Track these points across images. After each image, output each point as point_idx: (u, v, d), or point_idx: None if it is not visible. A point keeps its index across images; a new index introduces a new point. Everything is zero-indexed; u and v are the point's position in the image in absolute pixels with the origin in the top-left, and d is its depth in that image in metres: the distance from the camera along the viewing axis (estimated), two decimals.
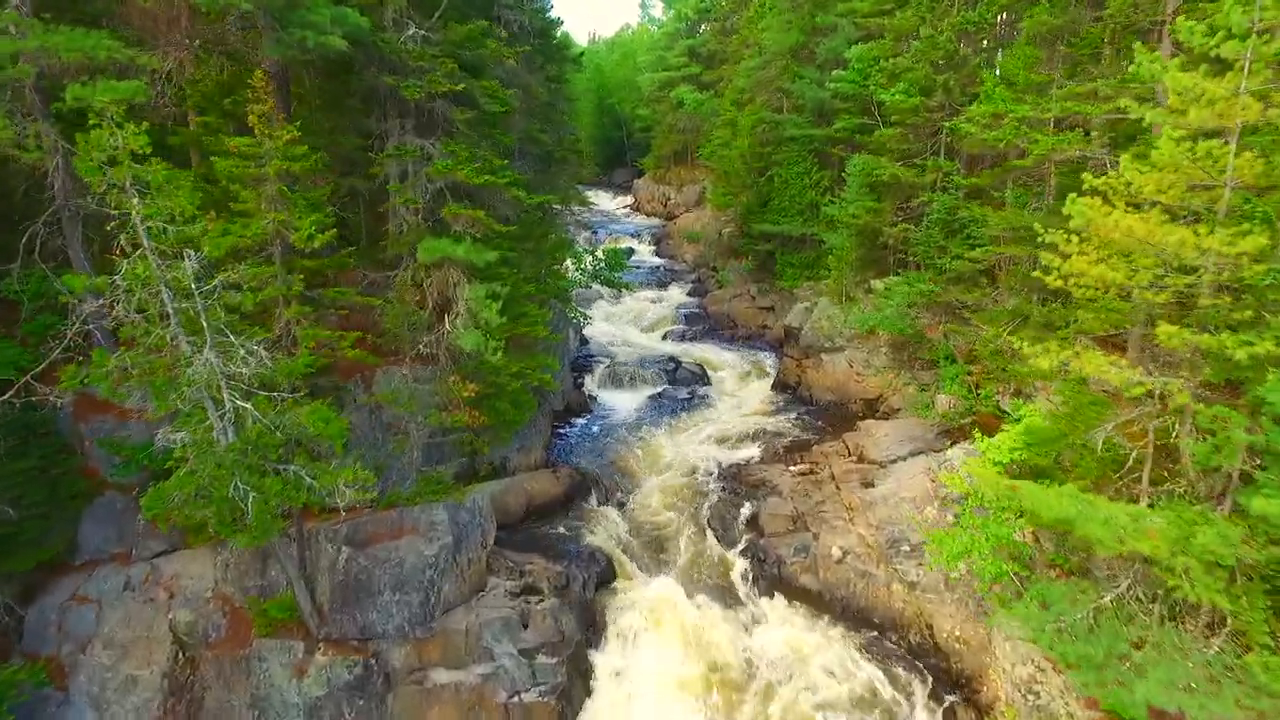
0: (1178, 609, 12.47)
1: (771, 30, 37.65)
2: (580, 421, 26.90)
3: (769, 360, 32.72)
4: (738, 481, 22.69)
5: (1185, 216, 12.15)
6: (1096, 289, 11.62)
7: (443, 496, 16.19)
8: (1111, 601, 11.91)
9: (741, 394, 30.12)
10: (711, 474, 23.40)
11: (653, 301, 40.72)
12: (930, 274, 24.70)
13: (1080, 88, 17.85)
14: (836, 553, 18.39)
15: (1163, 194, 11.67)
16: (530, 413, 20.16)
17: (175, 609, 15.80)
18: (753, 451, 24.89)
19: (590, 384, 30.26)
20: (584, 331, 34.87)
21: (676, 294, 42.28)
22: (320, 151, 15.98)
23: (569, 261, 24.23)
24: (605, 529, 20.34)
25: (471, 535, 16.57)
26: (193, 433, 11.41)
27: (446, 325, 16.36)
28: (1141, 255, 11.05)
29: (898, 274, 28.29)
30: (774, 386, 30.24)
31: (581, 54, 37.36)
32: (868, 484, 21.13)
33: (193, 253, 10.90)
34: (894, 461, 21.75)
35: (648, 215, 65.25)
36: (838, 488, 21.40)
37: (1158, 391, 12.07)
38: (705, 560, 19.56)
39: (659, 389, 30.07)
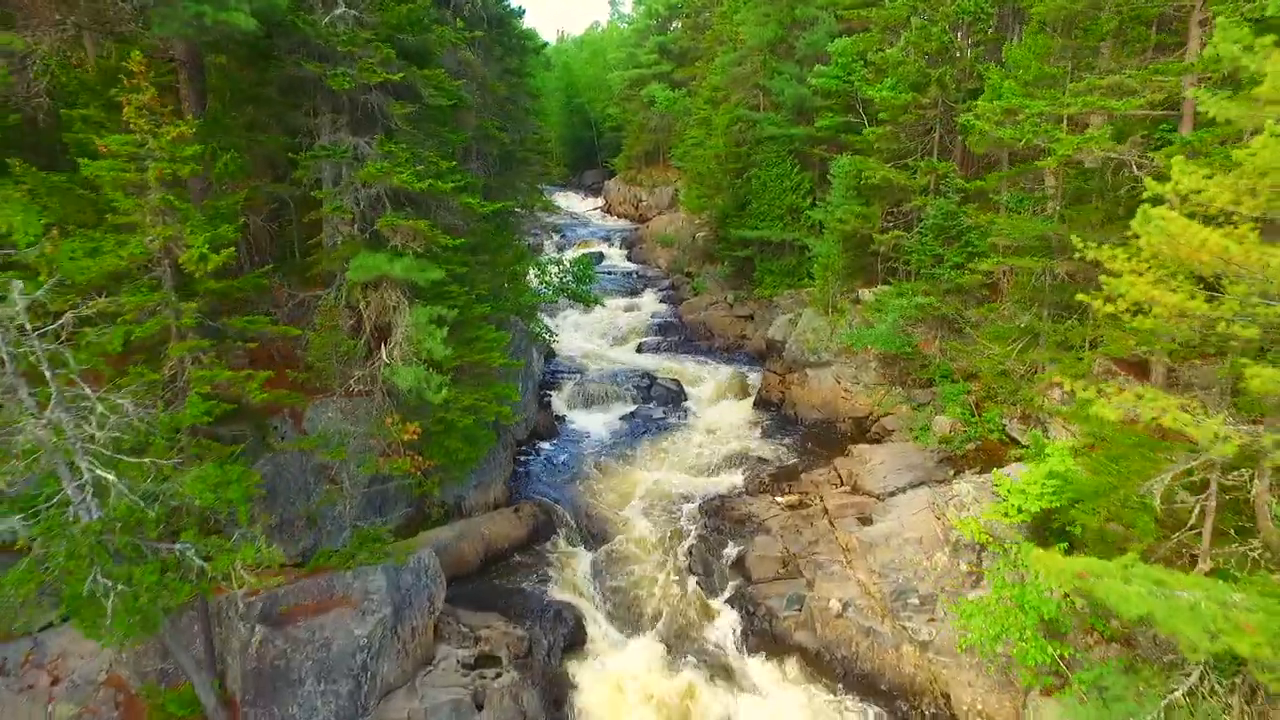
0: (1257, 693, 10.42)
1: (748, 24, 35.44)
2: (547, 447, 24.43)
3: (750, 374, 30.50)
4: (720, 517, 20.39)
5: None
6: (1168, 318, 9.46)
7: (381, 559, 13.66)
8: (1184, 695, 9.81)
9: (721, 412, 27.85)
10: (691, 507, 21.09)
11: (625, 310, 38.35)
12: (925, 284, 22.64)
13: (1101, 80, 15.80)
14: (835, 605, 16.17)
15: (1239, 204, 9.55)
16: (488, 446, 17.68)
17: (57, 700, 13.14)
18: (736, 479, 22.62)
19: (559, 403, 27.81)
20: (552, 344, 32.43)
21: (650, 302, 39.95)
22: (231, 152, 13.40)
23: (532, 274, 21.74)
24: (574, 578, 17.93)
25: (416, 601, 14.07)
26: (37, 516, 8.79)
27: (383, 356, 13.83)
28: (1232, 280, 8.90)
29: (888, 283, 26.23)
30: (756, 404, 28.03)
31: (544, 46, 34.84)
32: (865, 520, 18.97)
33: (19, 282, 8.29)
34: (893, 494, 19.61)
35: (619, 218, 62.84)
36: (832, 524, 19.20)
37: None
38: (687, 613, 17.22)
39: (633, 408, 27.71)
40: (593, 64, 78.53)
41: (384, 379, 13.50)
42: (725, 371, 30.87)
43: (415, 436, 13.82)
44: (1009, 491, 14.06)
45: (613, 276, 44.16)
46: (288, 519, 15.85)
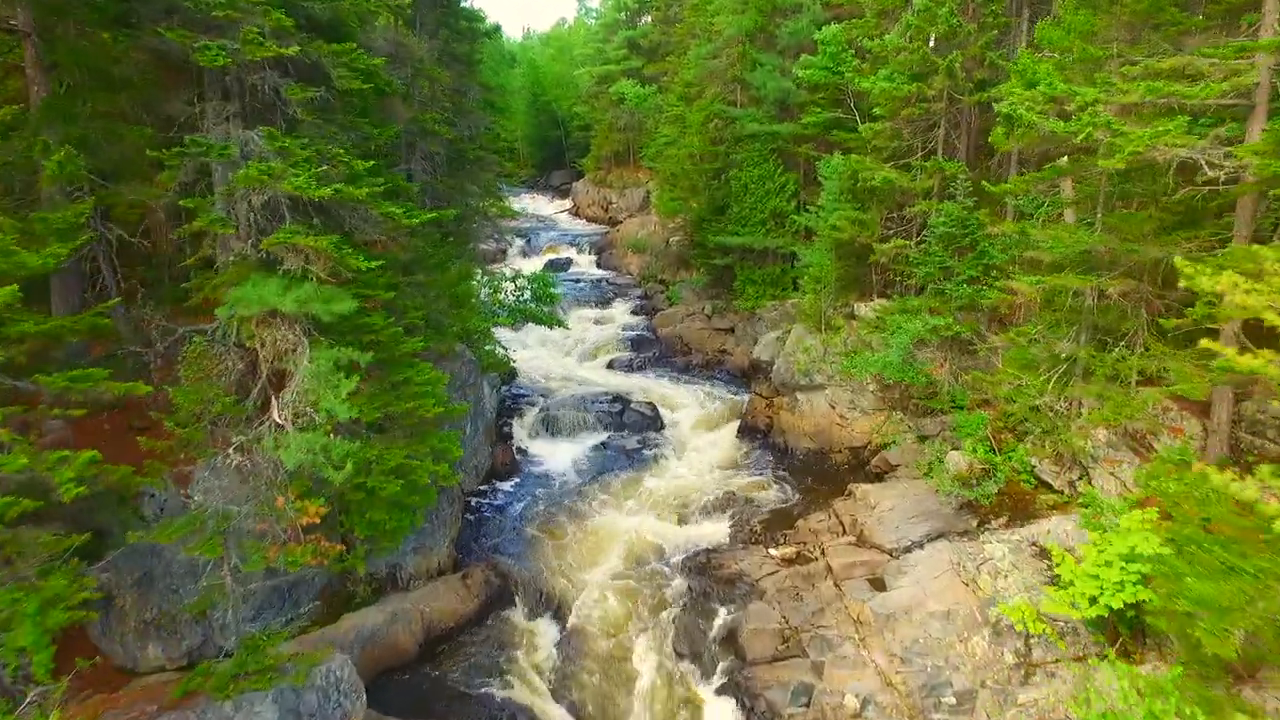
0: None
1: (724, 13, 32.44)
2: (506, 489, 21.14)
3: (733, 396, 27.46)
4: (707, 576, 17.29)
5: None
6: None
7: (274, 679, 10.33)
8: None
9: (702, 442, 24.78)
10: (673, 563, 17.99)
11: (595, 322, 35.16)
12: (933, 301, 19.76)
13: (1162, 63, 12.96)
14: (851, 702, 13.14)
15: None
16: (428, 503, 14.38)
17: None
18: (722, 526, 19.56)
19: (520, 433, 24.52)
20: (513, 365, 29.12)
21: (621, 313, 36.79)
22: (66, 149, 10.02)
23: (485, 292, 18.48)
24: (533, 667, 14.71)
25: None
26: None
27: (274, 413, 10.50)
28: None
29: (886, 297, 23.35)
30: (741, 431, 24.99)
31: (496, 30, 31.52)
32: (878, 583, 15.99)
33: None
34: (908, 549, 16.64)
35: (588, 221, 59.59)
36: (838, 587, 16.19)
37: None
38: (671, 708, 14.10)
39: (604, 437, 24.52)
40: (559, 61, 75.13)
41: (267, 450, 10.18)
42: (705, 393, 27.79)
43: (318, 519, 10.52)
44: (1073, 576, 11.12)
45: (581, 285, 40.94)
46: (168, 611, 12.48)
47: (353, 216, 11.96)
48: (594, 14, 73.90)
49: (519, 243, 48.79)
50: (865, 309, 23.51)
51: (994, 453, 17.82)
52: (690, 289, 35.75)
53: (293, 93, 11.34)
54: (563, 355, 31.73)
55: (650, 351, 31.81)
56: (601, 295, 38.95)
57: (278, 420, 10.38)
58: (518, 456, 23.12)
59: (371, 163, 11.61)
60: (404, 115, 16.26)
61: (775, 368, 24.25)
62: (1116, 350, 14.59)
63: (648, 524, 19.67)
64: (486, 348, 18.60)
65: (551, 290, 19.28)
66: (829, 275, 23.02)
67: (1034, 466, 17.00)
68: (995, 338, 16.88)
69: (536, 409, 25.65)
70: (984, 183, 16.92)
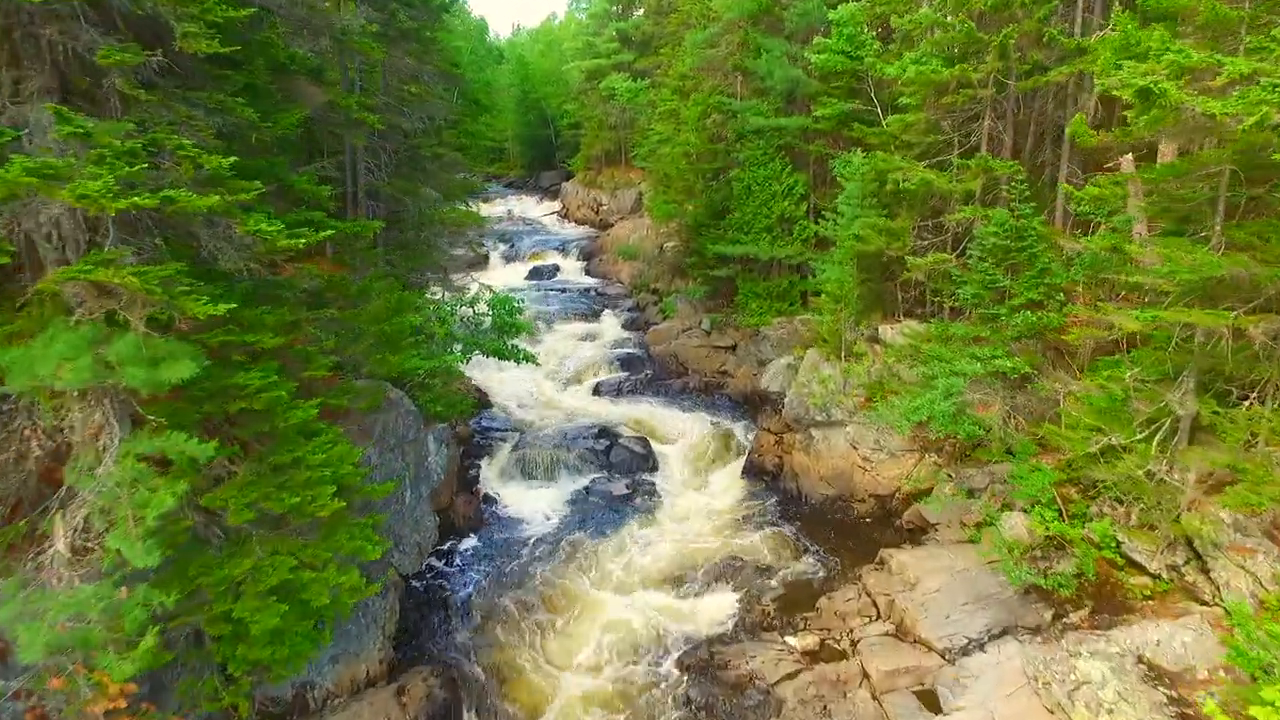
0: None
1: None
2: (465, 550, 17.46)
3: (735, 427, 23.79)
4: (710, 678, 13.65)
5: None
6: None
7: None
8: None
9: (702, 486, 21.13)
10: (668, 661, 14.35)
11: (581, 339, 31.45)
12: (982, 328, 16.15)
13: None
14: None
15: None
16: (343, 613, 10.67)
17: None
18: (727, 603, 15.93)
19: (488, 476, 20.86)
20: (486, 391, 25.45)
21: (610, 326, 33.07)
22: None
23: (438, 319, 14.77)
24: None
25: None
26: None
27: (57, 540, 6.81)
28: None
29: (920, 319, 19.73)
30: (746, 471, 21.35)
31: (453, 2, 27.75)
32: (929, 697, 12.39)
33: None
34: (965, 650, 13.01)
35: (578, 224, 55.81)
36: (878, 702, 12.57)
37: None
38: None
39: (586, 480, 20.88)
40: (549, 56, 71.38)
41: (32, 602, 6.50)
42: (704, 424, 24.10)
43: (123, 702, 6.85)
44: None
45: (567, 295, 37.25)
46: None
47: (211, 235, 8.26)
48: (584, 7, 70.12)
49: (502, 248, 45.19)
50: (892, 332, 19.89)
51: (1062, 516, 14.23)
52: (686, 301, 32.09)
53: (108, 56, 7.64)
54: (544, 378, 28.04)
55: (642, 373, 28.14)
56: (589, 307, 35.23)
57: (61, 550, 6.73)
58: (484, 506, 19.44)
59: (230, 159, 7.91)
60: (317, 99, 12.59)
61: (787, 400, 20.60)
62: (1250, 409, 10.98)
63: (637, 600, 16.02)
64: (433, 389, 14.78)
65: (515, 319, 15.56)
66: (850, 293, 19.38)
67: (1120, 543, 13.40)
68: (1075, 382, 13.26)
69: (510, 446, 21.98)
70: (1067, 186, 13.28)
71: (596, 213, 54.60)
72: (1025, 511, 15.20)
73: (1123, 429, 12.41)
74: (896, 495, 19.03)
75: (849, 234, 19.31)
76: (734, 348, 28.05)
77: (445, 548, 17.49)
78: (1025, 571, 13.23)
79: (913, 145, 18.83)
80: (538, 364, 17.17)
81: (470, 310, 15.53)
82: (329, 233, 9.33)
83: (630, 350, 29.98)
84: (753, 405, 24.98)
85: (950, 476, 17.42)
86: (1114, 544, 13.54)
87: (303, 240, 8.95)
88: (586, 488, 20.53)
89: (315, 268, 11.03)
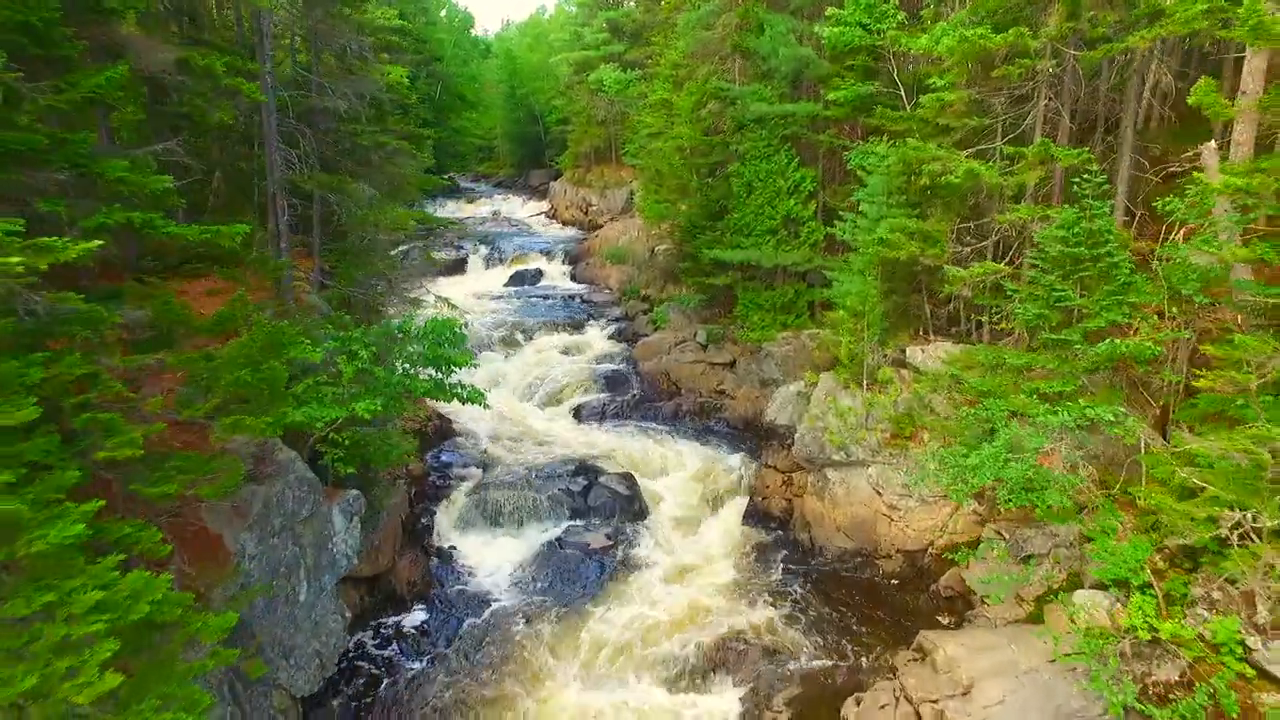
0: None
1: None
2: (407, 627, 14.05)
3: (734, 461, 20.43)
4: None
5: None
6: None
7: None
8: None
9: (696, 534, 17.77)
10: None
11: (563, 352, 28.01)
12: (1049, 356, 12.80)
13: None
14: None
15: None
16: None
17: None
18: (728, 703, 12.59)
19: (443, 524, 17.48)
20: (449, 414, 22.06)
21: (596, 338, 29.66)
22: None
23: (346, 354, 11.25)
24: None
25: None
26: None
27: None
28: None
29: (958, 339, 16.42)
30: (749, 516, 18.01)
31: None
32: None
33: None
34: None
35: (566, 225, 52.38)
36: None
37: None
38: None
39: (561, 528, 17.55)
40: (537, 50, 67.91)
41: None
42: (699, 457, 20.73)
43: None
44: None
45: (550, 302, 33.82)
46: None
47: None
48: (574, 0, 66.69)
49: (483, 251, 41.72)
50: (923, 355, 16.55)
51: (1160, 609, 10.88)
52: (680, 310, 28.69)
53: None
54: (519, 399, 24.65)
55: (629, 393, 24.75)
56: (573, 316, 31.78)
57: None
58: (436, 564, 16.08)
59: None
60: (157, 55, 9.20)
61: (798, 435, 17.20)
62: None
63: (617, 697, 12.65)
64: (347, 443, 11.10)
65: (449, 351, 11.99)
66: (873, 308, 16.01)
67: (1251, 650, 10.06)
68: (1196, 439, 9.92)
69: (470, 486, 18.59)
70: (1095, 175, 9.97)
71: (585, 213, 51.19)
72: (1105, 588, 11.92)
73: (1264, 505, 9.07)
74: (929, 552, 15.72)
75: (872, 238, 15.95)
76: (733, 364, 24.69)
77: (381, 624, 14.11)
78: (1127, 691, 9.85)
79: (950, 130, 15.46)
80: (486, 405, 13.71)
81: (401, 337, 12.00)
82: (91, 245, 5.93)
83: (616, 366, 26.57)
84: (755, 433, 21.64)
85: (1000, 535, 14.07)
86: (1237, 639, 10.22)
87: (73, 251, 5.51)
88: (559, 539, 17.17)
89: (147, 288, 7.66)
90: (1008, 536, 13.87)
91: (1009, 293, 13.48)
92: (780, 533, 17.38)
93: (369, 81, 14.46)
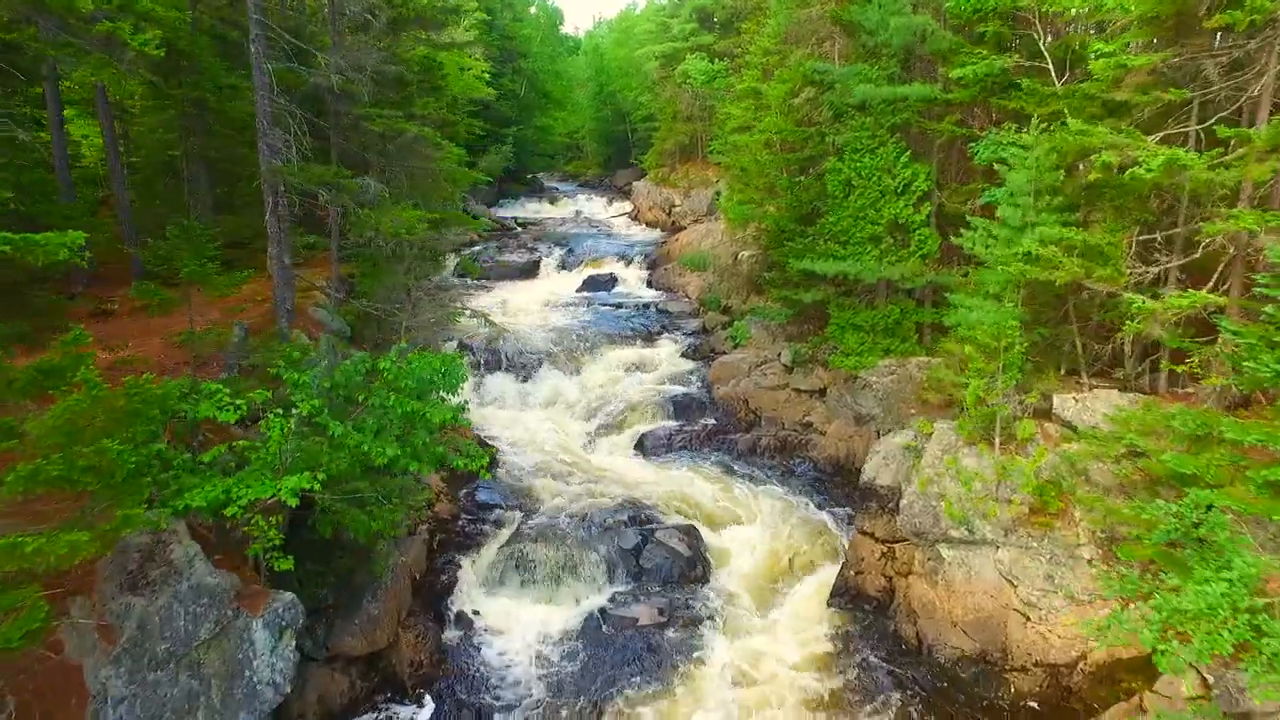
0: None
1: None
2: None
3: (819, 515, 16.84)
4: None
5: None
6: None
7: None
8: None
9: (767, 613, 14.29)
10: None
11: (629, 370, 24.88)
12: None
13: None
14: None
15: None
16: None
17: None
18: None
19: (467, 581, 14.67)
20: (493, 439, 19.35)
21: (668, 355, 26.37)
22: None
23: (274, 416, 8.42)
24: None
25: None
26: None
27: None
28: None
29: (1132, 385, 12.32)
30: (837, 594, 14.39)
31: None
32: None
33: None
34: None
35: (648, 226, 49.38)
36: None
37: None
38: None
39: (604, 597, 14.48)
40: (625, 45, 65.16)
41: None
42: (778, 508, 17.21)
43: None
44: None
45: (623, 312, 30.77)
46: None
47: None
48: None
49: (557, 253, 39.19)
50: (1076, 406, 12.52)
51: None
52: (762, 325, 25.18)
53: None
54: (577, 422, 21.72)
55: (700, 422, 21.41)
56: (645, 328, 28.62)
57: None
58: (452, 635, 13.28)
59: None
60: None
61: (905, 502, 13.43)
62: None
63: None
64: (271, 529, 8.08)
65: (433, 407, 8.76)
66: (1012, 344, 12.10)
67: None
68: None
69: (506, 535, 15.74)
70: None
71: (668, 214, 48.01)
72: None
73: None
74: (1081, 668, 11.75)
75: (1013, 252, 12.06)
76: (822, 393, 20.97)
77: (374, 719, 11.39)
78: None
79: (1127, 110, 11.41)
80: (489, 475, 10.76)
81: (376, 379, 8.99)
82: None
83: (688, 389, 23.26)
84: (847, 480, 17.96)
85: (1195, 670, 10.00)
86: None
87: None
88: (603, 609, 14.08)
89: None
90: (1210, 676, 9.81)
91: (1227, 333, 9.42)
92: (877, 620, 13.70)
93: (369, 53, 11.67)
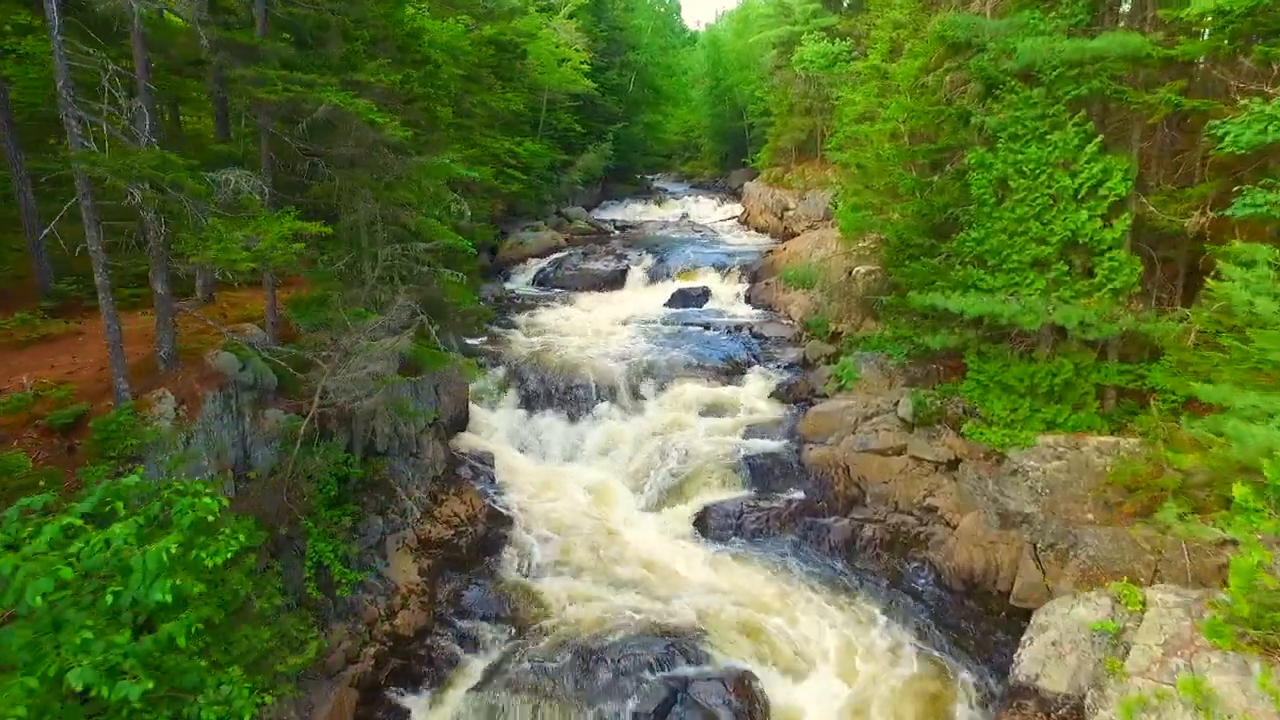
0: None
1: None
2: None
3: (954, 669, 11.39)
4: None
5: None
6: None
7: None
8: None
9: None
10: None
11: (703, 412, 19.91)
12: None
13: None
14: None
15: None
16: None
17: None
18: None
19: None
20: (505, 509, 15.14)
21: (754, 393, 21.18)
22: None
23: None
24: None
25: None
26: None
27: None
28: None
29: None
30: None
31: None
32: None
33: None
34: None
35: (758, 231, 44.03)
36: None
37: None
38: None
39: None
40: (743, 35, 59.75)
41: None
42: (879, 649, 11.87)
43: None
44: None
45: (709, 335, 25.81)
46: None
47: None
48: None
49: (647, 262, 34.62)
50: None
51: None
52: (875, 362, 19.66)
53: None
54: (626, 486, 17.09)
55: (784, 495, 16.27)
56: (732, 357, 23.42)
57: None
58: None
59: None
60: None
61: (1088, 711, 7.90)
62: None
63: None
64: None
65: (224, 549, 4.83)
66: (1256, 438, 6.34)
67: None
68: None
69: (481, 668, 11.36)
70: None
71: (780, 218, 42.41)
72: None
73: None
74: None
75: None
76: (954, 465, 15.27)
77: None
78: None
79: None
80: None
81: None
82: None
83: (772, 445, 18.06)
84: (985, 606, 12.39)
85: None
86: None
87: None
88: None
89: None
90: None
91: None
92: None
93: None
